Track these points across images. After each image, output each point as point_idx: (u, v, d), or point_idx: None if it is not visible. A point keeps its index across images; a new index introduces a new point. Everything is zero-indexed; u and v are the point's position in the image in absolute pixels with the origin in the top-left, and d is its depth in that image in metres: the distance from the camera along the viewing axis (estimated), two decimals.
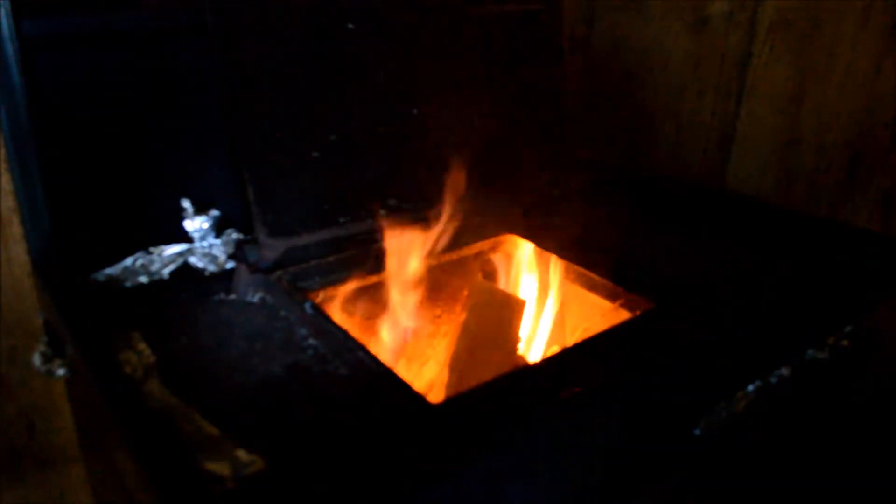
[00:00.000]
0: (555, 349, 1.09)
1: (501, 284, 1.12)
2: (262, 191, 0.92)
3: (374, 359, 0.73)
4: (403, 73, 1.03)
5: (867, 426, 1.10)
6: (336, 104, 0.98)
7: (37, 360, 0.89)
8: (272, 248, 0.91)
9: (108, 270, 0.87)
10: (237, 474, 0.57)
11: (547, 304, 1.09)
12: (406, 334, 0.98)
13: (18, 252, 0.95)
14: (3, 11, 0.78)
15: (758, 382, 0.88)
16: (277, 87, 0.94)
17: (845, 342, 0.97)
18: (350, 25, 0.98)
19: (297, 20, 0.95)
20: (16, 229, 0.93)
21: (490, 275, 1.12)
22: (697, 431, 0.82)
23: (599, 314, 0.99)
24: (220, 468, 0.57)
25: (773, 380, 0.90)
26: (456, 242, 1.05)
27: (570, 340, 1.09)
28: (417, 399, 0.68)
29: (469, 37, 1.11)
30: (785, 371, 0.91)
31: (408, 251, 0.95)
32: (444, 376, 1.00)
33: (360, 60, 1.00)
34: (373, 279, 0.97)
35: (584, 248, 1.00)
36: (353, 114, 0.99)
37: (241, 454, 0.59)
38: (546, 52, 1.24)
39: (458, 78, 1.10)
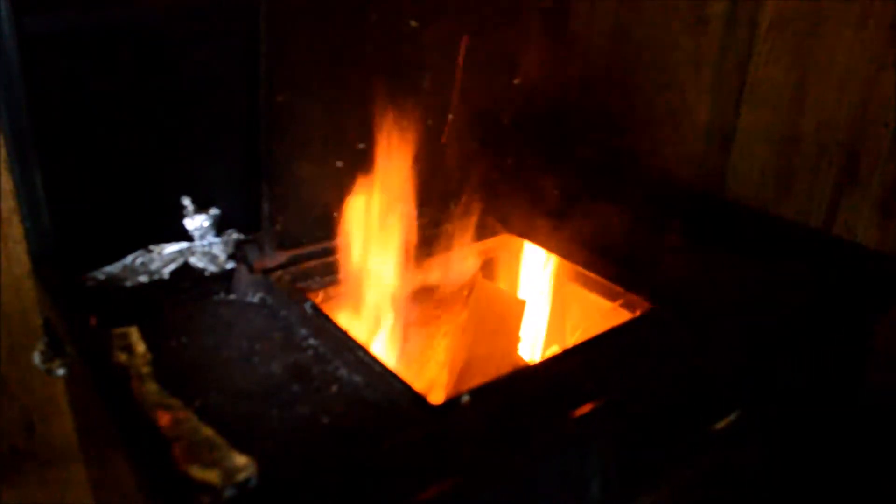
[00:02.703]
0: (555, 349, 1.09)
1: (502, 284, 1.12)
2: (279, 206, 0.90)
3: (374, 359, 0.73)
4: (446, 74, 1.01)
5: (866, 428, 1.10)
6: (369, 110, 0.92)
7: (37, 359, 0.88)
8: (276, 259, 0.91)
9: (108, 269, 0.87)
10: (228, 482, 0.56)
11: (547, 304, 1.09)
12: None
13: (18, 252, 0.94)
14: (3, 11, 0.78)
15: (757, 384, 0.88)
16: (316, 92, 0.90)
17: (836, 348, 0.97)
18: (413, 23, 0.95)
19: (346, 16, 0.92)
20: (16, 229, 0.93)
21: (490, 275, 1.12)
22: (698, 434, 0.82)
23: (599, 314, 0.99)
24: (211, 476, 0.57)
25: (773, 381, 0.90)
26: (456, 242, 1.05)
27: (570, 340, 1.09)
28: (417, 399, 0.68)
29: (498, 35, 1.09)
30: (784, 372, 0.91)
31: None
32: (444, 376, 1.00)
33: (412, 61, 0.97)
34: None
35: (584, 248, 1.00)
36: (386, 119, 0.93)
37: (237, 457, 0.59)
38: (550, 51, 1.23)
39: (483, 77, 1.07)
